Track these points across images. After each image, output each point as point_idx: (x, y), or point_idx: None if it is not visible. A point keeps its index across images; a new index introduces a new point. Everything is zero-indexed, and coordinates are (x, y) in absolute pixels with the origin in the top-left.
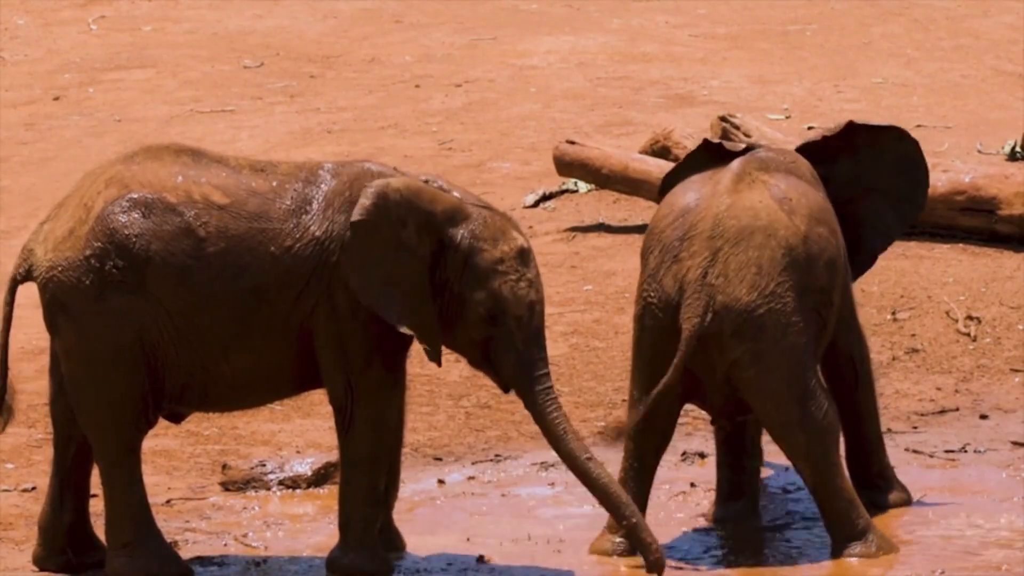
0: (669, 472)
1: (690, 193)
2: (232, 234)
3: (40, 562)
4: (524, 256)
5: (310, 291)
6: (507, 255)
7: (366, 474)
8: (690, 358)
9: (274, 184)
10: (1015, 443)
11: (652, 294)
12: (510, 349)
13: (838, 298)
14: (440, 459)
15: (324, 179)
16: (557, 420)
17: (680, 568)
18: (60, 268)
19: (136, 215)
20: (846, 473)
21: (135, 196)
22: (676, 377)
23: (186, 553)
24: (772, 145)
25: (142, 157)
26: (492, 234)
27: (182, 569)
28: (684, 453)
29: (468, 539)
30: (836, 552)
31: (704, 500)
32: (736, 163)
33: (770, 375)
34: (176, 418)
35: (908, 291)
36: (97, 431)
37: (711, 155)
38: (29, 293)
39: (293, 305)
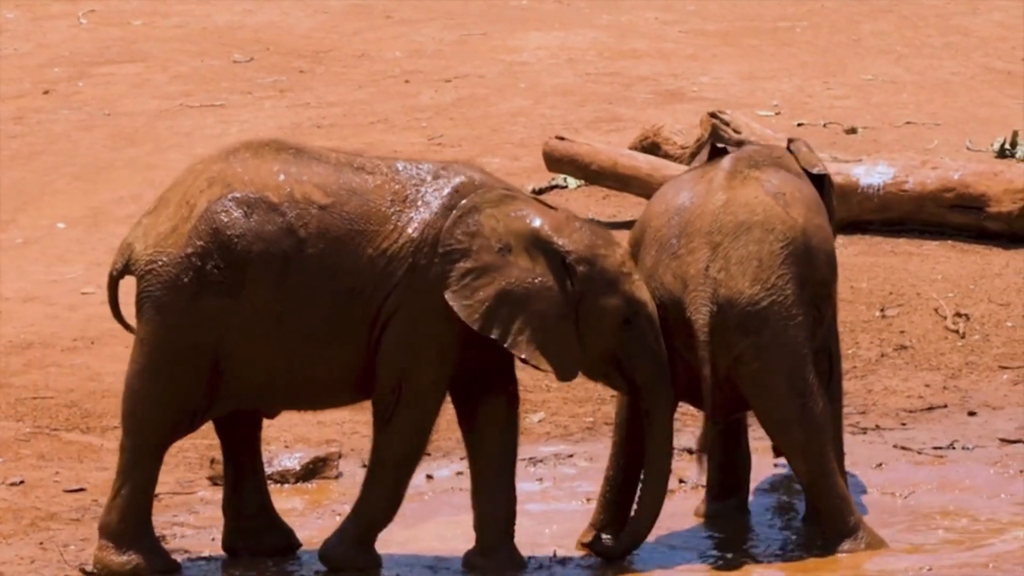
0: None
1: (683, 192)
2: (332, 235)
3: (228, 545)
4: (630, 258)
5: (398, 293)
6: (624, 257)
7: (393, 475)
8: (690, 353)
9: (374, 184)
10: (1003, 440)
11: (653, 292)
12: (645, 349)
13: (835, 290)
14: (428, 454)
15: (424, 180)
16: (670, 429)
17: (668, 565)
18: (160, 264)
19: (238, 215)
20: (838, 470)
21: (238, 195)
22: (710, 370)
23: (174, 547)
24: (759, 142)
25: (243, 154)
26: (604, 240)
27: (168, 565)
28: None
29: (456, 534)
30: (827, 549)
31: (693, 497)
32: (727, 161)
33: (772, 370)
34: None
35: (897, 288)
36: (132, 421)
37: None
38: (18, 287)
39: (380, 307)
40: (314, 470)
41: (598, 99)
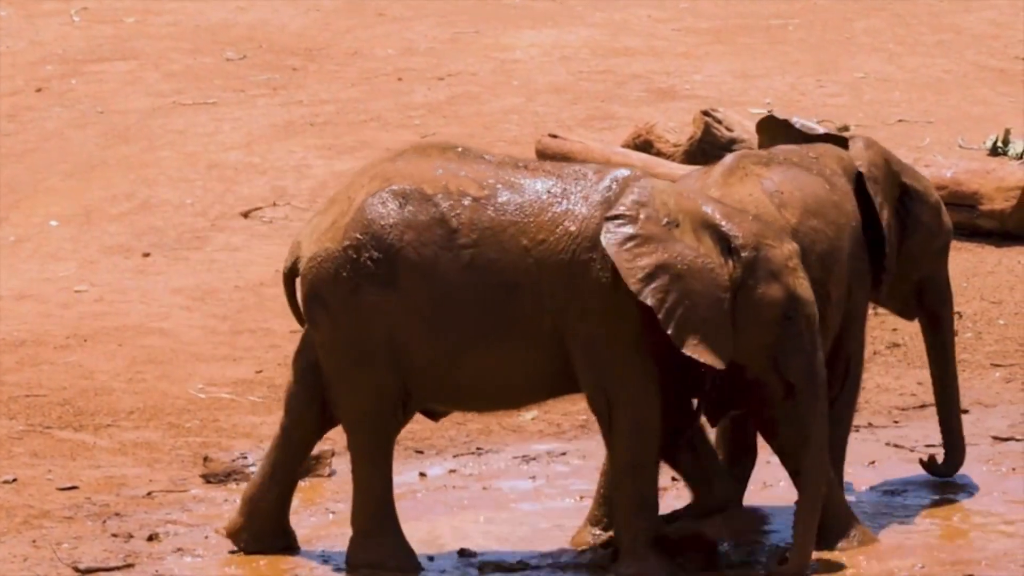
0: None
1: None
2: (484, 226)
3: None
4: (798, 257)
5: (558, 289)
6: (793, 252)
7: (631, 481)
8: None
9: (533, 179)
10: (995, 437)
11: None
12: (801, 349)
13: (837, 292)
14: (421, 452)
15: (587, 176)
16: (823, 431)
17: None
18: (320, 259)
19: (393, 206)
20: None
21: (394, 188)
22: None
23: (167, 545)
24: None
25: (410, 153)
26: (774, 233)
27: (412, 563)
28: None
29: (449, 532)
30: (819, 547)
31: (687, 495)
32: (730, 157)
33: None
34: (433, 415)
35: None
36: (349, 424)
37: (779, 130)
38: (11, 285)
39: (541, 303)
40: (307, 468)
41: (591, 97)
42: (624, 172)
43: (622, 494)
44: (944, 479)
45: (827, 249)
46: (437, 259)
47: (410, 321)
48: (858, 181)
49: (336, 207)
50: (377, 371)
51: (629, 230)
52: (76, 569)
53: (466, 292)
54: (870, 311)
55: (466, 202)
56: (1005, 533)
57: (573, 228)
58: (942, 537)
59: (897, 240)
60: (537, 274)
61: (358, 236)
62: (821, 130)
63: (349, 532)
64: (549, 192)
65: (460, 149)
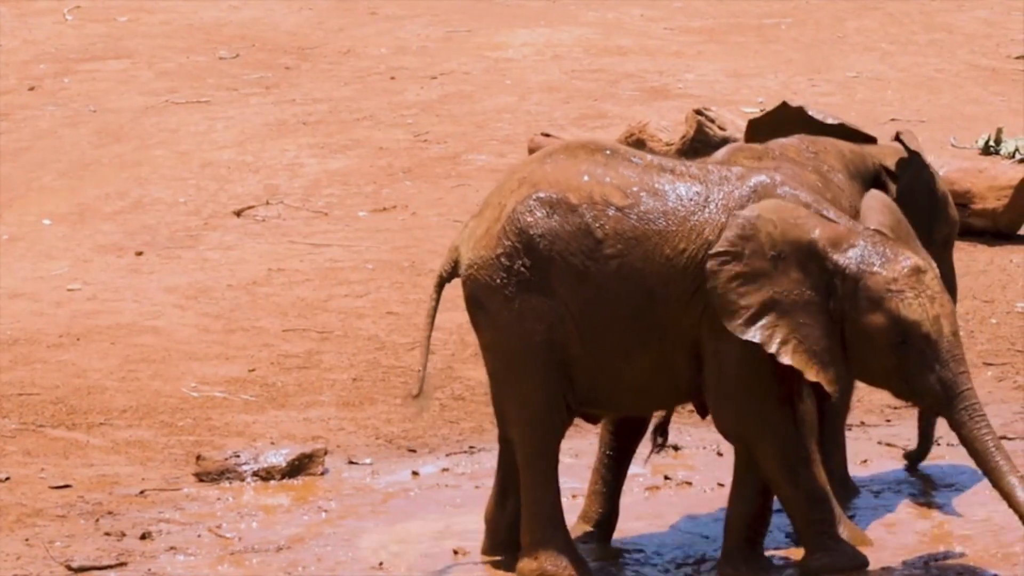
0: (643, 465)
1: None
2: (628, 235)
3: (488, 554)
4: (919, 272)
5: (698, 297)
6: (900, 273)
7: (790, 487)
8: None
9: (677, 185)
10: None
11: None
12: (927, 370)
13: None
14: (414, 451)
15: (729, 181)
16: (987, 440)
17: (654, 563)
18: (477, 266)
19: (541, 215)
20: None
21: (542, 195)
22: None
23: (160, 543)
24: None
25: (559, 154)
26: (882, 254)
27: (582, 571)
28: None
29: (442, 531)
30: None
31: (679, 493)
32: (723, 150)
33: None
34: (591, 419)
35: None
36: (517, 428)
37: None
38: (4, 284)
39: (684, 309)
40: (300, 467)
41: (583, 96)
42: (763, 179)
43: (789, 502)
44: (927, 474)
45: None
46: (585, 269)
47: (567, 326)
48: (876, 174)
49: (489, 212)
50: (539, 374)
51: (735, 268)
52: (69, 567)
53: (614, 300)
54: None
55: (610, 212)
56: (996, 532)
57: (712, 236)
58: (933, 535)
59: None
60: (678, 281)
61: (510, 244)
62: (833, 120)
63: (342, 530)
64: (693, 199)
65: (609, 150)
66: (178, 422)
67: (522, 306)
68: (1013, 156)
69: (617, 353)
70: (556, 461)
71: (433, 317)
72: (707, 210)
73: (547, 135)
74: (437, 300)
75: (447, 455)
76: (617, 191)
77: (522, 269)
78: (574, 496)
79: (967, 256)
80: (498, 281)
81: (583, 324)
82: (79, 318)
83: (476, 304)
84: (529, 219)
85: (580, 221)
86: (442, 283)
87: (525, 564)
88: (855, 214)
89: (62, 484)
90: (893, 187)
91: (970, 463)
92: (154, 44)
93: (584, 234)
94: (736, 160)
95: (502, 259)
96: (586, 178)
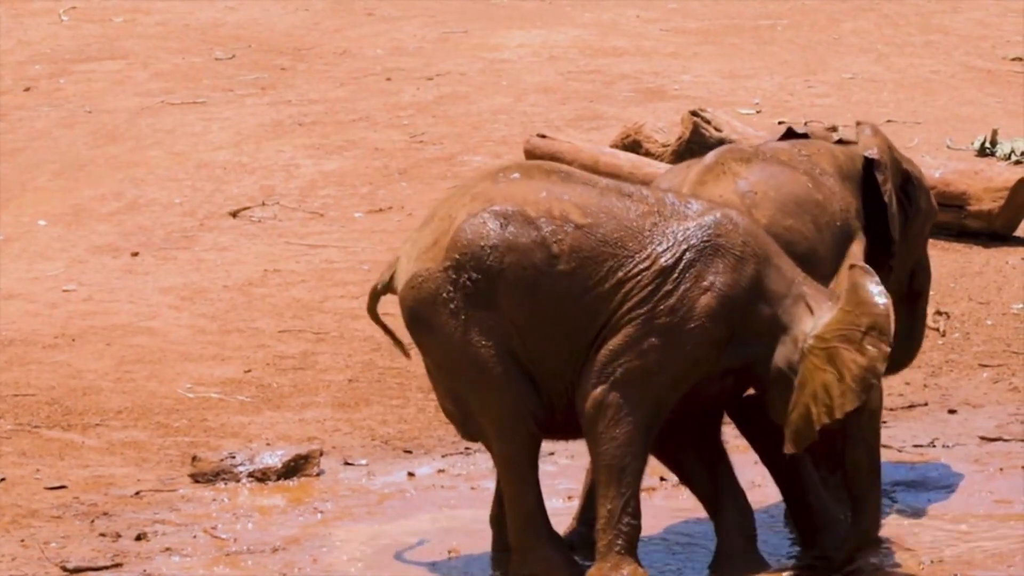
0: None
1: (663, 184)
2: (585, 255)
3: (496, 553)
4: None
5: (633, 323)
6: (822, 329)
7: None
8: None
9: (636, 211)
10: (983, 438)
11: None
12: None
13: None
14: (410, 452)
15: (688, 215)
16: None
17: (649, 565)
18: (421, 278)
19: (494, 227)
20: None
21: (496, 208)
22: None
23: (155, 544)
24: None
25: (512, 171)
26: (807, 308)
27: (575, 572)
28: None
29: (438, 532)
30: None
31: (675, 494)
32: (713, 153)
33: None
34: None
35: None
36: (488, 439)
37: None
38: None
39: (600, 330)
40: (296, 468)
41: (579, 97)
42: (719, 217)
43: (866, 502)
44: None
45: (807, 249)
46: (535, 283)
47: (513, 341)
48: (865, 170)
49: (435, 225)
50: (496, 387)
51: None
52: (64, 568)
53: (561, 319)
54: None
55: (568, 228)
56: (992, 534)
57: (667, 264)
58: (929, 538)
59: (901, 227)
60: (622, 308)
61: (457, 256)
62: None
63: (337, 532)
64: (650, 228)
65: (564, 172)
66: (173, 423)
67: (468, 320)
68: (1008, 158)
69: (555, 370)
70: (535, 466)
71: (377, 320)
72: (664, 239)
73: (543, 136)
74: (374, 307)
75: (443, 456)
76: (576, 209)
77: (468, 283)
78: (570, 497)
79: (963, 257)
80: (444, 295)
81: (527, 341)
82: (74, 319)
83: (418, 320)
84: (481, 231)
85: (537, 234)
86: (376, 296)
87: (515, 569)
88: (846, 217)
89: (57, 485)
90: (889, 185)
91: (966, 464)
92: (150, 45)
93: (539, 247)
94: (723, 162)
95: (449, 271)
96: (544, 194)
